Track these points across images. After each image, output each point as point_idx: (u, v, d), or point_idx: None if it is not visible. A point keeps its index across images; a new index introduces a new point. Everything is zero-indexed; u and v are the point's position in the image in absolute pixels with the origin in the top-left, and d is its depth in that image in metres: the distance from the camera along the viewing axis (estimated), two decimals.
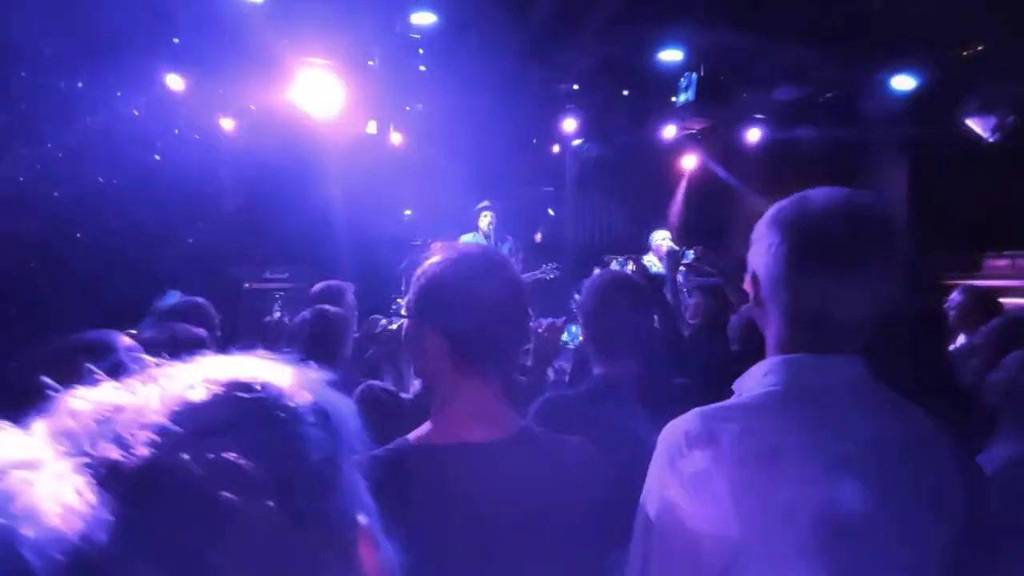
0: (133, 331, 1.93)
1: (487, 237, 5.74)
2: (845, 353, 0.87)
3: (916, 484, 0.84)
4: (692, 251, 2.69)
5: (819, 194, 0.89)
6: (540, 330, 1.91)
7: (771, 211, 0.92)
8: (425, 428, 0.96)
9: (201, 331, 1.99)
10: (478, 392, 0.95)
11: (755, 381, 0.90)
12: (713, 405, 0.87)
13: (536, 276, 5.62)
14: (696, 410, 0.86)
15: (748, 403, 0.87)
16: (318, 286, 2.89)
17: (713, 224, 8.99)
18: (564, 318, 1.96)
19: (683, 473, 0.81)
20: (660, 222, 9.06)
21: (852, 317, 0.86)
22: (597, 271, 6.85)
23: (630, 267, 2.72)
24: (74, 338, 1.05)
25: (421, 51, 4.77)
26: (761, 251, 0.91)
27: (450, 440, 0.93)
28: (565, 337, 1.95)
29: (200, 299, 2.81)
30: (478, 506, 0.87)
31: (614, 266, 5.20)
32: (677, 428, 0.85)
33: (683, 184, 9.06)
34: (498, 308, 0.93)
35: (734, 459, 0.80)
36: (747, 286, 0.97)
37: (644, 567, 0.83)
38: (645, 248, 6.01)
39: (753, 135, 7.04)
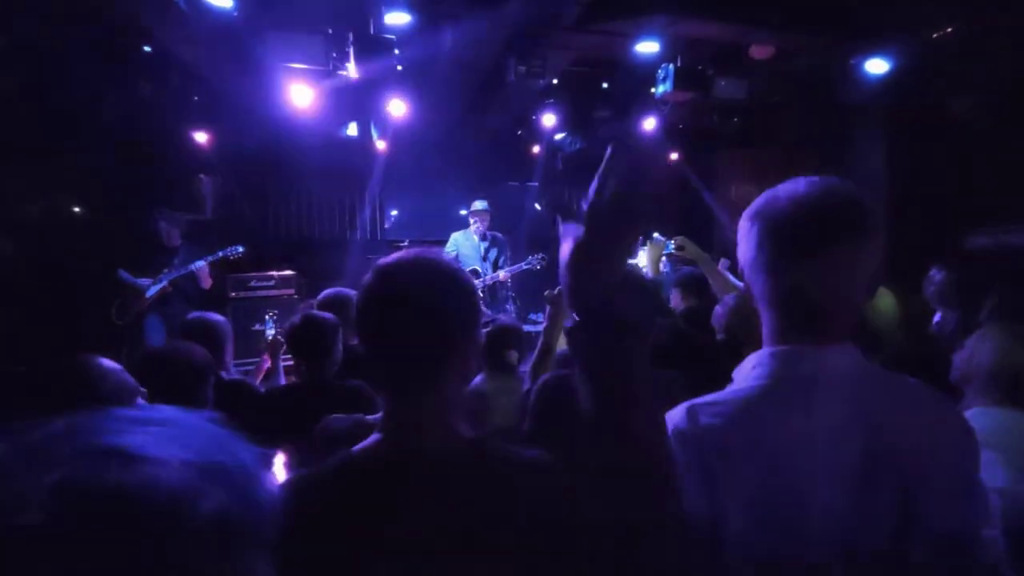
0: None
1: (477, 234, 5.87)
2: (836, 342, 0.87)
3: (915, 468, 0.83)
4: (673, 241, 2.69)
5: (789, 185, 0.91)
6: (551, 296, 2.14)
7: (751, 206, 0.94)
8: (367, 441, 0.92)
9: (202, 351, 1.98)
10: (409, 404, 0.91)
11: (744, 374, 0.91)
12: (703, 398, 0.88)
13: (523, 268, 5.66)
14: (685, 404, 0.87)
15: (736, 396, 0.88)
16: (325, 293, 2.80)
17: (692, 214, 9.04)
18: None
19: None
20: None
21: (833, 305, 0.86)
22: None
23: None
24: (53, 362, 1.02)
25: (397, 51, 4.74)
26: (741, 243, 0.93)
27: (377, 454, 0.90)
28: None
29: (210, 315, 2.66)
30: (393, 526, 0.82)
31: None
32: (668, 422, 0.84)
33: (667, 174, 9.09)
34: (422, 333, 0.88)
35: (720, 452, 0.81)
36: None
37: None
38: None
39: (731, 123, 7.09)
